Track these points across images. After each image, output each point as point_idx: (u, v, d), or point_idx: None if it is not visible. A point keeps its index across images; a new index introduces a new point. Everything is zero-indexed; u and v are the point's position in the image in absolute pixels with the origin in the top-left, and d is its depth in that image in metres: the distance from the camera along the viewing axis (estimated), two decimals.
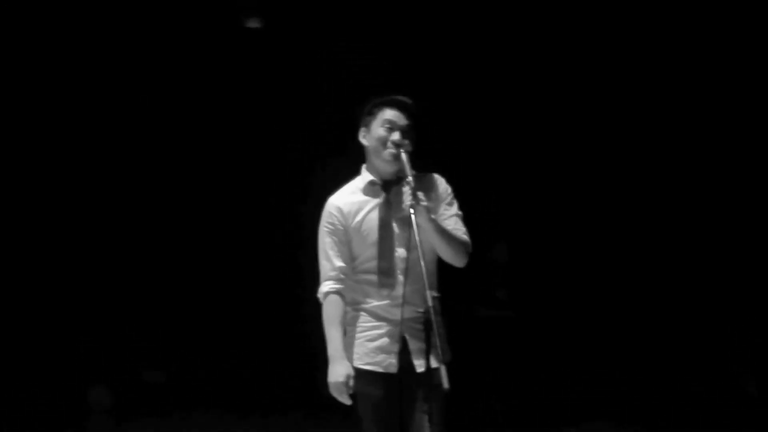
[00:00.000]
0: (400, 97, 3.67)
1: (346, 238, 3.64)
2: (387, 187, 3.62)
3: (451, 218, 3.64)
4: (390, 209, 3.58)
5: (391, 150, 3.56)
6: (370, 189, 3.67)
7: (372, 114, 3.65)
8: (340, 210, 3.66)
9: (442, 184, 3.71)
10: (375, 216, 3.62)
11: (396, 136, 3.58)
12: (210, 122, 7.71)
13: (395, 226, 3.57)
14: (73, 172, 7.77)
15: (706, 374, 7.10)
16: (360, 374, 3.60)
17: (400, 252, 3.55)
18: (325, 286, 3.64)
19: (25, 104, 7.55)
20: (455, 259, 3.58)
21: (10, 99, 7.45)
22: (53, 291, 7.81)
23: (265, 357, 7.67)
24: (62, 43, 7.35)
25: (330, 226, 3.66)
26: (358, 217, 3.63)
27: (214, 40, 7.39)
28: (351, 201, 3.67)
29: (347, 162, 3.79)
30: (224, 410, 7.29)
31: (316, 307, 3.62)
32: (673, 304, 7.33)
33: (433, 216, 3.50)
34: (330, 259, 3.64)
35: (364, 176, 3.70)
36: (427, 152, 3.71)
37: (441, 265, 3.64)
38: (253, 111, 7.67)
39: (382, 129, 3.61)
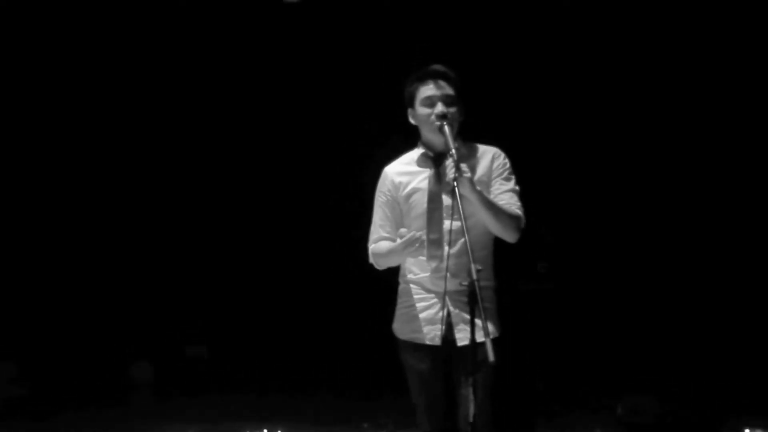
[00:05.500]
0: (434, 68, 3.66)
1: (392, 210, 3.69)
2: (439, 159, 3.60)
3: (506, 193, 3.63)
4: (440, 181, 3.57)
5: (436, 124, 3.55)
6: (423, 161, 3.69)
7: (412, 94, 3.66)
8: (392, 179, 3.71)
9: (499, 158, 3.70)
10: (424, 187, 3.63)
11: (438, 108, 3.56)
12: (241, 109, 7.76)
13: (445, 198, 3.57)
14: (122, 155, 7.88)
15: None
16: (406, 346, 3.65)
17: (448, 224, 3.54)
18: (369, 249, 3.73)
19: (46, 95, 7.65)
20: (505, 234, 3.57)
21: (12, 98, 7.54)
22: (96, 267, 7.91)
23: (306, 336, 7.69)
24: (71, 39, 7.42)
25: (381, 197, 3.73)
26: (408, 188, 3.66)
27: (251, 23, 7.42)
28: (403, 171, 3.71)
29: (408, 138, 3.80)
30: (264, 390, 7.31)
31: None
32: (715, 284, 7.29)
33: (478, 188, 3.48)
34: (377, 229, 3.73)
35: (419, 149, 3.72)
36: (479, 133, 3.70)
37: (499, 241, 3.64)
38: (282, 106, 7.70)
39: (423, 107, 3.61)
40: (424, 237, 3.50)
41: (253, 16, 7.37)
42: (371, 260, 3.72)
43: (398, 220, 3.69)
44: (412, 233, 3.47)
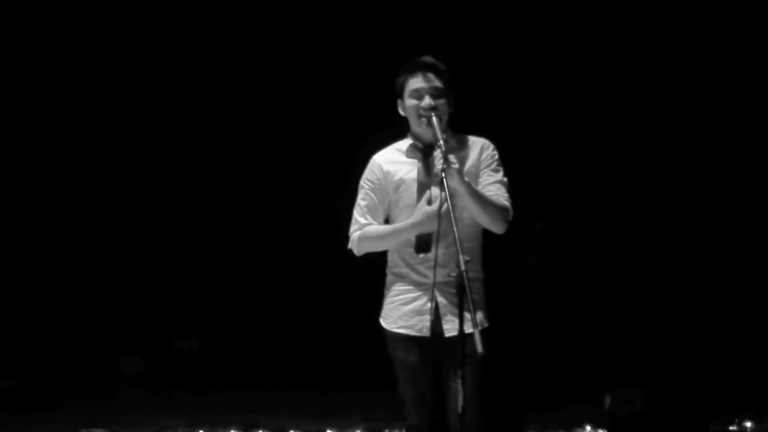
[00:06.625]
0: (424, 59, 3.65)
1: (382, 198, 3.68)
2: (427, 150, 3.61)
3: (494, 184, 3.63)
4: (429, 173, 3.57)
5: (423, 118, 3.55)
6: (411, 151, 3.69)
7: (402, 86, 3.66)
8: (380, 168, 3.70)
9: (487, 149, 3.70)
10: (413, 177, 3.63)
11: (426, 101, 3.57)
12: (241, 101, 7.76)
13: (434, 190, 3.55)
14: (112, 150, 7.88)
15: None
16: (394, 338, 3.65)
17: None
18: (354, 235, 3.69)
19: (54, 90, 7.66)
20: (493, 225, 3.57)
21: (11, 97, 7.53)
22: (85, 260, 7.89)
23: (294, 328, 7.69)
24: (70, 39, 7.41)
25: (369, 183, 3.71)
26: (397, 178, 3.66)
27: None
28: (392, 160, 3.70)
29: (394, 132, 3.79)
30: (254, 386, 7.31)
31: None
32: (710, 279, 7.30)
33: (467, 179, 3.48)
34: (363, 215, 3.69)
35: (408, 140, 3.72)
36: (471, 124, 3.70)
37: (487, 233, 3.63)
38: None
39: (411, 99, 3.61)
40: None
41: (251, 15, 7.38)
42: (352, 245, 3.69)
43: (386, 208, 3.70)
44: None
